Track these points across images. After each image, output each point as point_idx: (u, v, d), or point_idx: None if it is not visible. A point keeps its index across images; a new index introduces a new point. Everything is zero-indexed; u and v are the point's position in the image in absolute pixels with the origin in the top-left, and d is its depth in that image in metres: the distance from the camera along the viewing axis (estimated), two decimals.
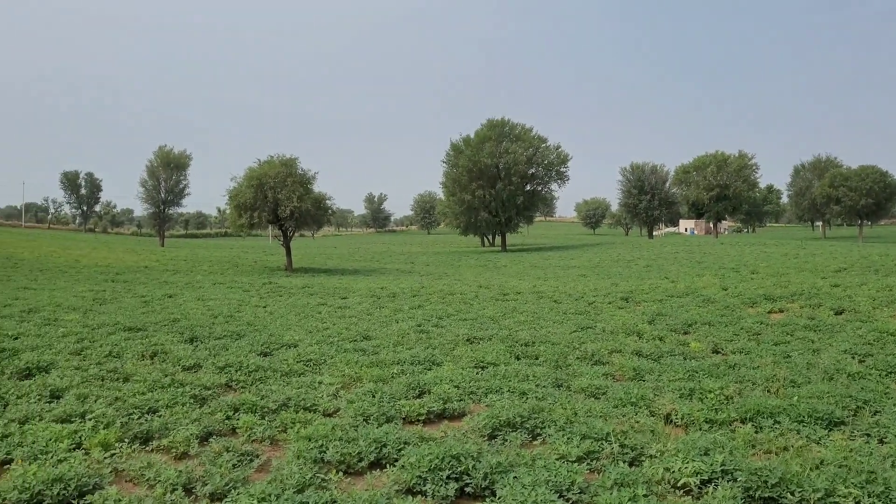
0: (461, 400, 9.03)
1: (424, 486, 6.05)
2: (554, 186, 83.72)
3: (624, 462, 6.55)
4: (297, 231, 49.97)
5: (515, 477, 6.03)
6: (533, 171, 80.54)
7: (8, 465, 6.55)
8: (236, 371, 10.62)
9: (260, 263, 51.60)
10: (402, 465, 6.38)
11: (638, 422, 7.94)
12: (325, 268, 49.63)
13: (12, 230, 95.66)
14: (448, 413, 8.61)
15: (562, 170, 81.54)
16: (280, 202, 43.59)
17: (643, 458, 6.78)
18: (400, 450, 6.89)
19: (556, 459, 6.57)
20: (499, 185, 77.00)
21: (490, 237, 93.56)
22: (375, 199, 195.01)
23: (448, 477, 6.13)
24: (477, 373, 10.65)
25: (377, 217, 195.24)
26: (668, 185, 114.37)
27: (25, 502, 5.68)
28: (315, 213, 45.78)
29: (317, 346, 13.05)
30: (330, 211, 48.72)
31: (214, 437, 7.50)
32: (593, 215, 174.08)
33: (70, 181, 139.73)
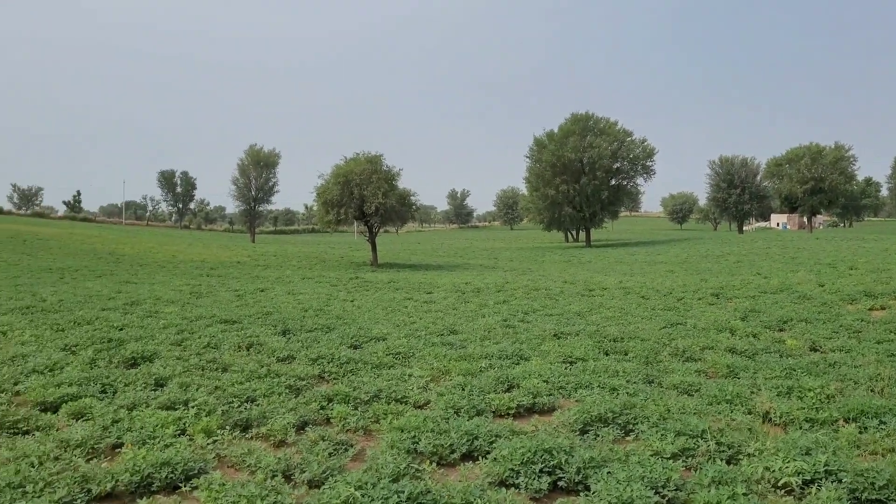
0: (550, 394, 9.00)
1: (517, 479, 6.07)
2: (640, 181, 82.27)
3: (721, 460, 6.41)
4: (381, 227, 50.60)
5: (609, 472, 5.98)
6: (618, 165, 79.30)
7: (119, 449, 6.88)
8: (328, 363, 10.86)
9: (346, 259, 52.54)
10: (495, 458, 6.41)
11: (734, 419, 7.75)
12: (410, 263, 50.11)
13: (114, 227, 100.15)
14: (538, 407, 8.59)
15: (648, 164, 79.96)
16: (366, 199, 44.20)
17: (741, 456, 6.62)
18: (491, 442, 6.93)
19: (651, 456, 6.48)
20: (583, 179, 76.11)
21: (574, 232, 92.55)
22: (458, 194, 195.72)
23: (541, 470, 6.13)
24: (565, 368, 10.59)
25: (460, 213, 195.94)
26: (759, 178, 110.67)
27: (136, 484, 5.96)
28: (400, 209, 46.23)
29: (405, 339, 13.21)
30: (414, 207, 49.10)
31: (310, 426, 7.70)
32: (680, 210, 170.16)
33: (167, 180, 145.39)
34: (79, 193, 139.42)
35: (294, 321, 15.57)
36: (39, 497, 5.48)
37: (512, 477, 6.11)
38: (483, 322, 15.86)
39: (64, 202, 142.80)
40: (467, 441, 6.90)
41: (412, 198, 47.86)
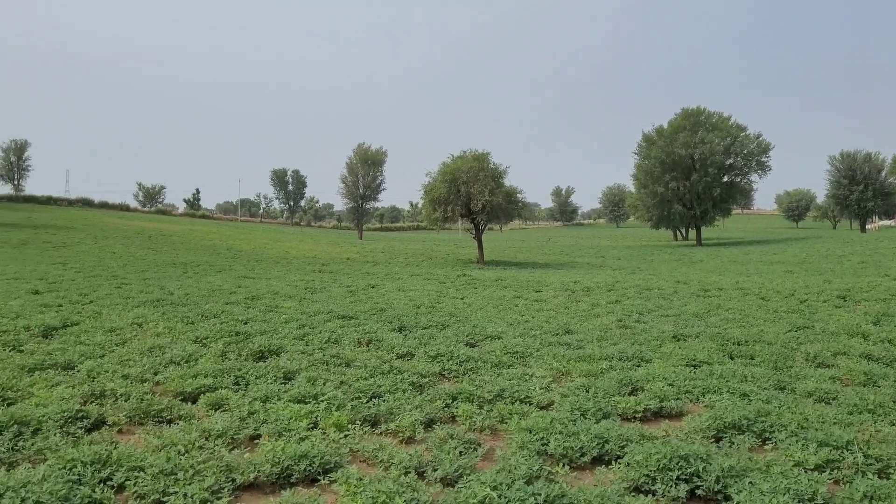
0: (678, 398, 8.77)
1: (653, 485, 5.94)
2: (754, 177, 79.24)
3: (871, 473, 6.08)
4: (487, 225, 50.75)
5: (751, 482, 5.77)
6: (731, 161, 76.67)
7: (257, 440, 7.15)
8: (447, 360, 10.94)
9: (452, 256, 52.92)
10: (628, 463, 6.30)
11: (879, 431, 7.34)
12: (516, 261, 50.00)
13: (230, 224, 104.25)
14: (665, 412, 8.39)
15: (763, 159, 76.96)
16: (472, 196, 44.41)
17: (891, 470, 6.26)
18: (623, 446, 6.81)
19: (793, 466, 6.22)
20: (694, 176, 73.99)
21: (683, 231, 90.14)
22: (563, 192, 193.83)
23: (678, 478, 5.97)
24: (690, 371, 10.31)
25: (564, 210, 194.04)
26: (884, 174, 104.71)
27: (277, 475, 6.17)
28: (506, 206, 46.24)
29: (520, 338, 13.18)
30: (520, 204, 48.98)
31: (437, 423, 7.78)
32: (796, 208, 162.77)
33: (279, 178, 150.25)
34: (198, 191, 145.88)
35: (408, 318, 15.78)
36: (190, 484, 5.75)
37: (647, 483, 5.99)
38: (598, 322, 15.65)
39: (184, 200, 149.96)
40: (598, 444, 6.80)
41: (518, 195, 47.76)
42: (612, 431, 7.07)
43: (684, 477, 6.01)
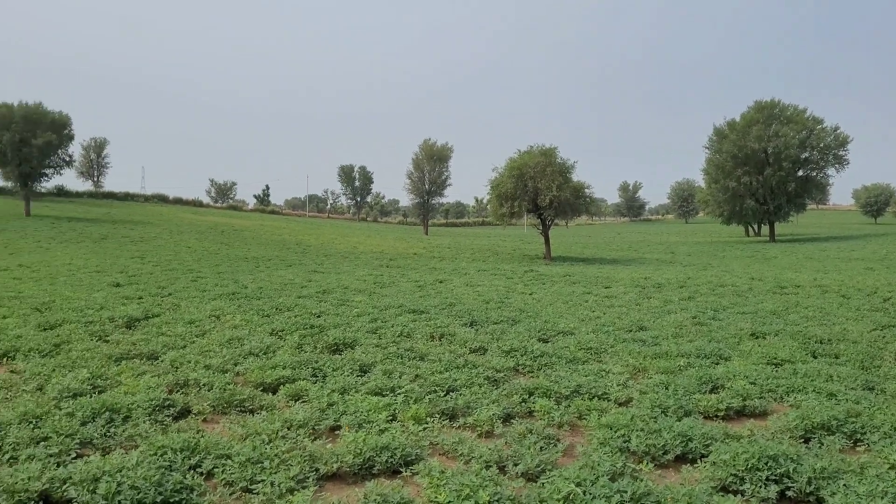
0: (761, 397, 8.55)
1: (741, 485, 5.79)
2: (830, 171, 76.49)
3: None
4: (554, 220, 50.34)
5: (846, 485, 5.57)
6: (806, 155, 74.13)
7: (337, 431, 7.24)
8: (521, 355, 10.89)
9: (518, 251, 52.71)
10: (714, 462, 6.15)
11: None
12: (583, 256, 49.52)
13: (298, 219, 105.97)
14: (748, 410, 8.18)
15: (840, 153, 74.19)
16: (539, 191, 44.10)
17: None
18: (707, 445, 6.67)
19: (889, 469, 5.99)
20: (767, 170, 71.88)
21: (755, 226, 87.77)
22: (630, 187, 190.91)
23: (767, 478, 5.81)
24: (772, 370, 10.03)
25: (631, 206, 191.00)
26: None
27: (359, 466, 6.23)
28: (574, 201, 45.77)
29: (593, 334, 13.03)
30: (588, 199, 48.42)
31: (515, 418, 7.75)
32: (875, 203, 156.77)
33: (346, 174, 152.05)
34: (267, 187, 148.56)
35: (478, 313, 15.76)
36: (276, 473, 5.85)
37: (735, 483, 5.84)
38: (672, 318, 15.37)
39: (254, 196, 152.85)
40: (681, 442, 6.67)
41: (586, 190, 47.22)
42: (695, 430, 6.92)
43: (774, 477, 5.84)
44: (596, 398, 8.51)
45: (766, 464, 5.94)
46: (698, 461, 6.39)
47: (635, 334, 13.20)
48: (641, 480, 5.70)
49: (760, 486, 5.71)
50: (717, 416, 7.99)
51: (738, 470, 5.90)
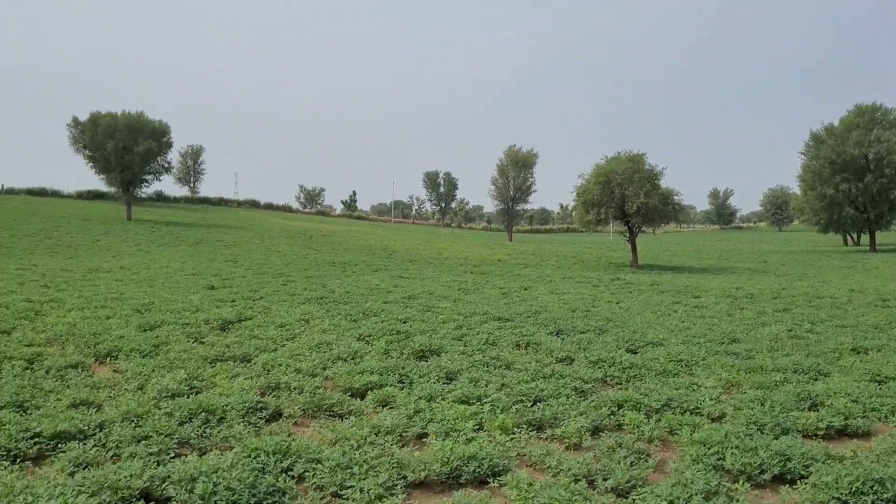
0: (864, 416, 8.16)
1: None
2: None
3: None
4: (641, 227, 49.40)
5: None
6: None
7: (424, 439, 7.27)
8: (609, 366, 10.72)
9: (604, 259, 51.98)
10: (815, 484, 5.89)
11: None
12: (671, 265, 48.44)
13: (384, 225, 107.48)
14: (850, 430, 7.82)
15: None
16: (627, 198, 43.38)
17: None
18: (807, 465, 6.39)
19: None
20: (868, 177, 68.70)
21: (854, 235, 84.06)
22: (720, 194, 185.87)
23: (873, 503, 5.53)
24: (875, 387, 9.56)
25: (721, 213, 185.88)
26: None
27: (446, 475, 6.24)
28: (662, 209, 44.76)
29: (683, 346, 12.72)
30: (677, 207, 47.33)
31: (604, 431, 7.62)
32: None
33: (431, 180, 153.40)
34: (354, 193, 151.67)
35: (564, 321, 15.60)
36: (365, 479, 5.91)
37: None
38: (766, 331, 14.85)
39: (342, 201, 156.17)
40: (779, 462, 6.42)
41: (675, 197, 46.17)
42: (794, 448, 6.65)
43: (880, 502, 5.56)
44: (688, 412, 8.28)
45: (871, 487, 5.66)
46: (798, 482, 6.13)
47: (727, 347, 12.82)
48: (737, 500, 5.53)
49: None
50: (816, 435, 7.67)
51: (842, 493, 5.63)
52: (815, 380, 10.16)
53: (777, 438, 7.13)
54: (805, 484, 6.02)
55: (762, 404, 8.49)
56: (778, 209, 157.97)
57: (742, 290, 25.72)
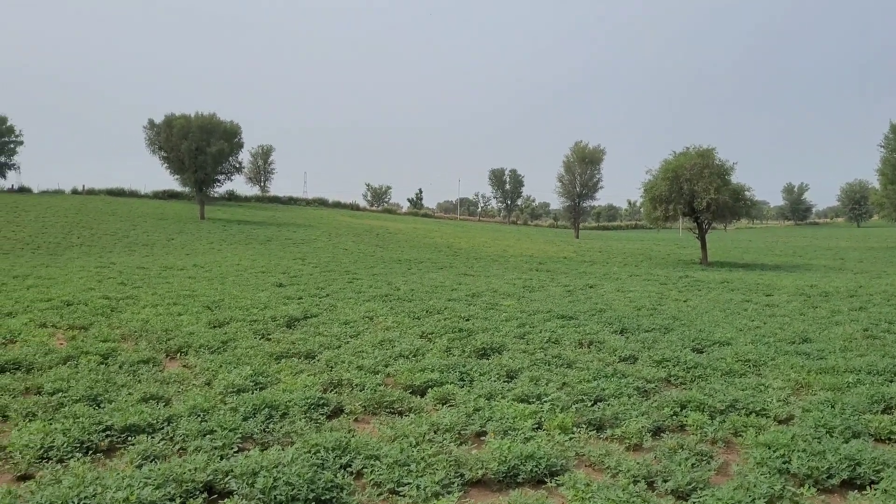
0: None
1: None
2: None
3: None
4: (711, 224, 48.37)
5: None
6: None
7: (482, 437, 7.29)
8: (673, 366, 10.54)
9: (673, 256, 51.05)
10: (885, 490, 5.70)
11: None
12: (742, 262, 47.25)
13: (450, 222, 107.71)
14: None
15: None
16: (696, 194, 42.52)
17: None
18: (878, 471, 6.18)
19: None
20: None
21: None
22: (795, 189, 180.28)
23: None
24: None
25: (796, 208, 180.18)
26: None
27: (504, 474, 6.24)
28: (733, 205, 43.73)
29: (751, 345, 12.41)
30: (749, 202, 46.15)
31: (665, 432, 7.51)
32: None
33: (496, 177, 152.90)
34: (420, 191, 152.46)
35: (629, 320, 15.40)
36: (422, 476, 5.96)
37: None
38: (840, 330, 14.37)
39: (408, 199, 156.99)
40: (848, 466, 6.22)
41: (746, 192, 45.04)
42: (864, 453, 6.44)
43: None
44: (753, 414, 8.08)
45: None
46: (867, 488, 5.93)
47: (798, 347, 12.45)
48: None
49: None
50: (889, 440, 7.40)
51: None
52: (891, 382, 9.79)
53: (847, 442, 6.91)
54: (875, 489, 5.82)
55: (832, 406, 8.23)
56: (856, 204, 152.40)
57: (816, 287, 24.94)
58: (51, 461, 6.28)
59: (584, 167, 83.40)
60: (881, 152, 73.95)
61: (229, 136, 66.85)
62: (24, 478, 6.06)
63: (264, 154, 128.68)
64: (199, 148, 63.67)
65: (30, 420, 7.40)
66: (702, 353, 12.05)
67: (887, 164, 72.46)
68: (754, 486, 5.72)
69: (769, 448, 6.68)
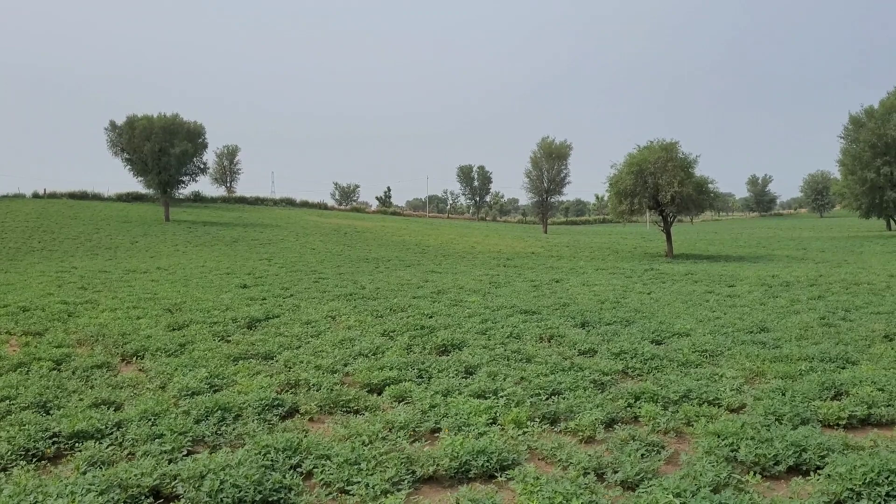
0: (889, 405, 7.96)
1: (857, 501, 5.40)
2: None
3: None
4: (676, 217, 48.80)
5: None
6: None
7: (437, 433, 7.28)
8: (631, 358, 10.62)
9: (639, 249, 51.47)
10: (829, 475, 5.77)
11: None
12: (707, 254, 47.79)
13: (418, 220, 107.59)
14: (874, 419, 7.65)
15: None
16: (660, 187, 42.88)
17: None
18: (823, 456, 6.27)
19: None
20: None
21: None
22: (759, 181, 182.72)
23: (888, 494, 5.39)
24: None
25: (761, 200, 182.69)
26: None
27: (455, 470, 6.24)
28: (697, 197, 44.15)
29: (710, 336, 12.56)
30: (712, 195, 46.66)
31: (619, 424, 7.55)
32: None
33: (465, 174, 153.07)
34: (389, 189, 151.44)
35: (592, 313, 15.50)
36: (372, 475, 5.94)
37: (851, 498, 5.45)
38: (797, 319, 14.58)
39: (376, 197, 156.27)
40: (794, 453, 6.30)
41: (710, 185, 45.54)
42: (811, 439, 6.52)
43: (895, 494, 5.42)
44: (706, 404, 8.16)
45: (886, 478, 5.52)
46: (811, 474, 6.01)
47: (755, 336, 12.62)
48: (746, 493, 5.44)
49: (879, 503, 5.32)
50: (837, 425, 7.52)
51: (855, 484, 5.51)
52: (843, 368, 9.95)
53: (795, 429, 7.00)
54: (819, 475, 5.89)
55: (783, 394, 8.34)
56: (818, 195, 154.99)
57: (778, 277, 25.31)
58: None
59: (551, 162, 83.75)
60: (841, 143, 75.18)
61: (193, 137, 66.09)
62: None
63: (230, 154, 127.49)
64: (162, 149, 62.85)
65: None
66: (660, 344, 12.16)
67: (847, 155, 73.63)
68: (701, 474, 5.77)
69: (718, 437, 6.75)
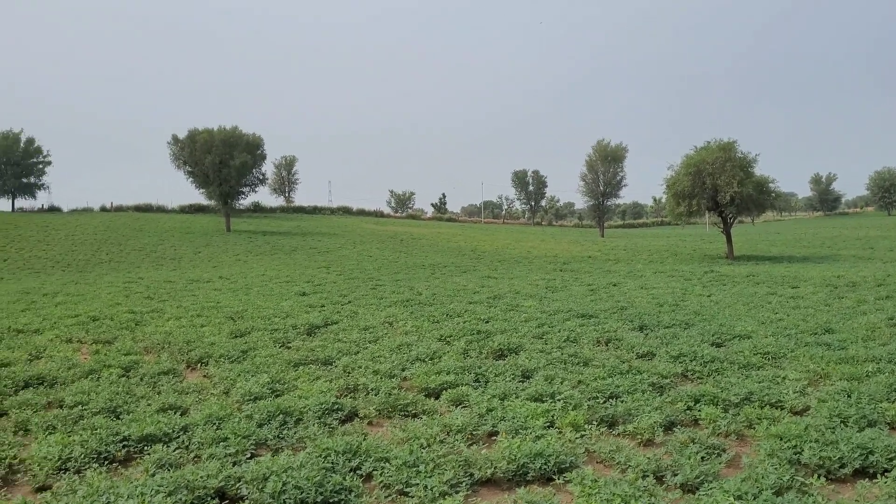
0: None
1: None
2: None
3: None
4: (737, 218, 47.92)
5: None
6: None
7: (494, 437, 7.32)
8: (690, 361, 10.50)
9: (699, 251, 50.66)
10: None
11: None
12: (769, 255, 46.77)
13: (473, 226, 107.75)
14: None
15: None
16: (719, 188, 42.17)
17: None
18: (890, 459, 6.12)
19: None
20: None
21: None
22: (822, 179, 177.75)
23: None
24: None
25: (825, 199, 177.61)
26: None
27: (513, 473, 6.27)
28: (757, 197, 43.33)
29: (772, 338, 12.31)
30: (773, 195, 45.70)
31: (678, 426, 7.48)
32: None
33: (519, 179, 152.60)
34: (444, 196, 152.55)
35: (650, 316, 15.34)
36: (430, 477, 6.01)
37: None
38: (864, 320, 14.19)
39: (432, 204, 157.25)
40: (860, 455, 6.16)
41: (770, 185, 44.59)
42: (877, 441, 6.37)
43: None
44: (768, 406, 8.03)
45: None
46: (878, 476, 5.87)
47: (820, 338, 12.33)
48: (810, 496, 5.34)
49: None
50: None
51: None
52: None
53: (861, 431, 6.85)
54: (886, 478, 5.76)
55: (849, 396, 8.15)
56: (886, 192, 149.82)
57: (843, 278, 24.69)
58: (68, 472, 6.41)
59: (606, 165, 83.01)
60: None
61: (252, 149, 67.44)
62: (42, 489, 6.19)
63: (287, 165, 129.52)
64: (222, 161, 64.29)
65: (50, 433, 7.56)
66: (721, 347, 11.98)
67: None
68: (763, 476, 5.69)
69: (781, 439, 6.64)
